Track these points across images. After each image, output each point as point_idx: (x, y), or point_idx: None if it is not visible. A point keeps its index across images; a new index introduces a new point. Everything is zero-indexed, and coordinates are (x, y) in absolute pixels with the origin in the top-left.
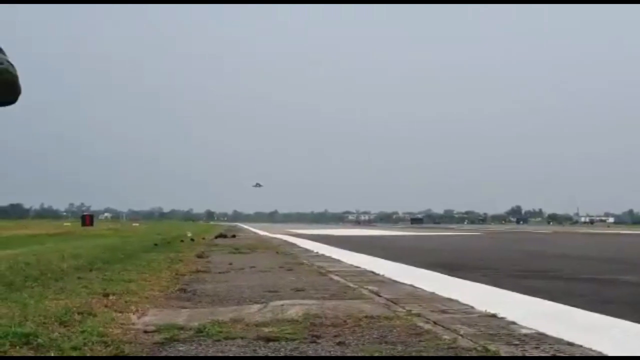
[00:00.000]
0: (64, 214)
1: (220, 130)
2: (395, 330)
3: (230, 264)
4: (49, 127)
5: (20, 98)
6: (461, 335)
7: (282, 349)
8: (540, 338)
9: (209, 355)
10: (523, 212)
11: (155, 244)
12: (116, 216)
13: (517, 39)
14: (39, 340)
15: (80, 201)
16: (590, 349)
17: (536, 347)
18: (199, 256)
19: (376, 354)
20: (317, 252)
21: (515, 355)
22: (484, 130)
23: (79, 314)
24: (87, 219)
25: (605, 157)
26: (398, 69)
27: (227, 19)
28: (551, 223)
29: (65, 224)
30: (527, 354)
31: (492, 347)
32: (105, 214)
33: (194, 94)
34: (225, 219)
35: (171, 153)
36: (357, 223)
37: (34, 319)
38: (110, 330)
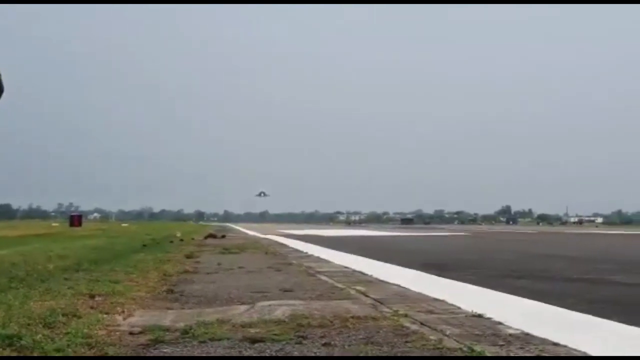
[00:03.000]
0: (53, 214)
1: (210, 130)
2: (381, 331)
3: (219, 264)
4: (37, 127)
5: (4, 96)
6: (447, 336)
7: (268, 350)
8: (526, 338)
9: (195, 355)
10: (513, 212)
11: (144, 245)
12: (105, 217)
13: (507, 45)
14: (23, 341)
15: (69, 201)
16: (576, 349)
17: (521, 348)
18: (188, 257)
19: (362, 355)
20: (306, 253)
21: (500, 355)
22: (474, 131)
23: (64, 315)
24: (75, 220)
25: (595, 158)
26: (388, 69)
27: (219, 17)
28: (540, 223)
29: (53, 224)
30: (511, 354)
31: (478, 348)
32: (94, 215)
33: (182, 94)
34: (216, 219)
35: (161, 153)
36: (348, 223)
37: (18, 320)
38: (95, 331)
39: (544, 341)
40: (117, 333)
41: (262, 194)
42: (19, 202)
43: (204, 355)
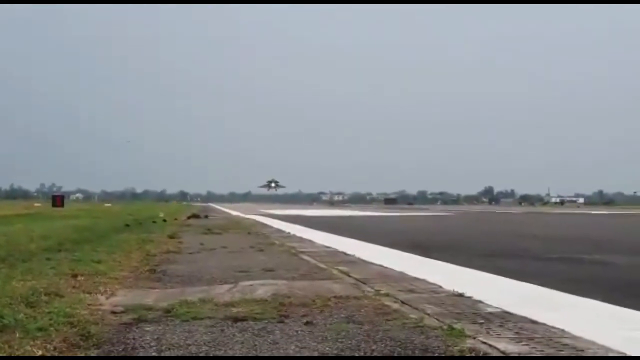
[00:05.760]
0: (35, 194)
1: (193, 112)
2: (363, 310)
3: (202, 244)
4: (18, 108)
5: None
6: (428, 315)
7: (250, 329)
8: (505, 317)
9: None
10: (495, 192)
11: (127, 225)
12: (88, 197)
13: (492, 26)
14: (5, 321)
15: (51, 182)
16: (553, 327)
17: (500, 326)
18: (171, 237)
19: (343, 333)
20: (289, 233)
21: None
22: (456, 112)
23: (46, 294)
24: (58, 200)
25: (575, 139)
26: (374, 51)
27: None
28: (522, 204)
29: (35, 204)
30: (491, 332)
31: (458, 326)
32: (77, 195)
33: (168, 78)
34: (199, 199)
35: (144, 134)
36: (331, 204)
37: (0, 299)
38: (78, 311)
39: (522, 319)
40: (100, 312)
41: (274, 185)
42: (0, 182)
43: (186, 333)
